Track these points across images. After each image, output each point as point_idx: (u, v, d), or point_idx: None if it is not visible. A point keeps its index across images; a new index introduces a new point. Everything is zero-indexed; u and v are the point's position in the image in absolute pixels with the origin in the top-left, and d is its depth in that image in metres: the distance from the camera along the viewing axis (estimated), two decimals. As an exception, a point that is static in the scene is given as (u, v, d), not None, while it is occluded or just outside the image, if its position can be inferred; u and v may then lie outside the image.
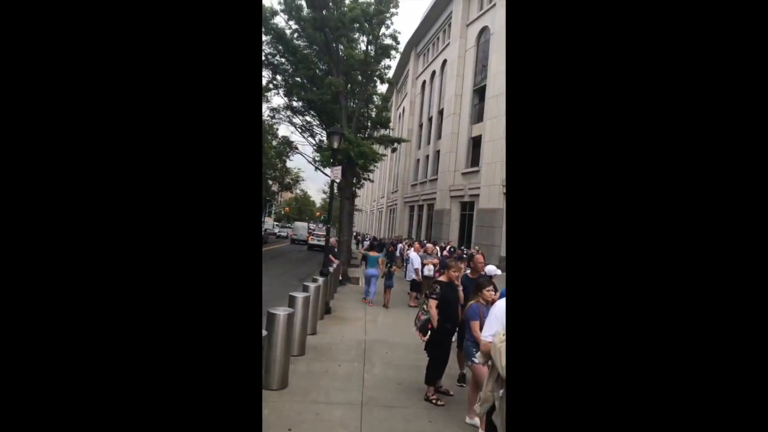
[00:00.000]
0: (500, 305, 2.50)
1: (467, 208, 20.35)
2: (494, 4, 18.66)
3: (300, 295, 4.91)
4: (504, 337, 2.34)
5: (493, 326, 2.43)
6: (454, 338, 4.12)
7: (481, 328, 3.28)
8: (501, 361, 2.30)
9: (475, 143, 20.17)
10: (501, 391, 2.40)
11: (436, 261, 8.87)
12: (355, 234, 35.24)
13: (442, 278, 4.01)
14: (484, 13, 19.94)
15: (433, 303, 3.80)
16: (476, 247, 13.69)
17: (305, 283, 5.79)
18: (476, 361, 3.18)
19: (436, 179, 23.65)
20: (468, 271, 4.85)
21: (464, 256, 7.57)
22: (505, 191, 16.96)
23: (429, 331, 3.79)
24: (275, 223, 42.35)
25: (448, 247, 11.86)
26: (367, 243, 14.66)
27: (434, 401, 3.76)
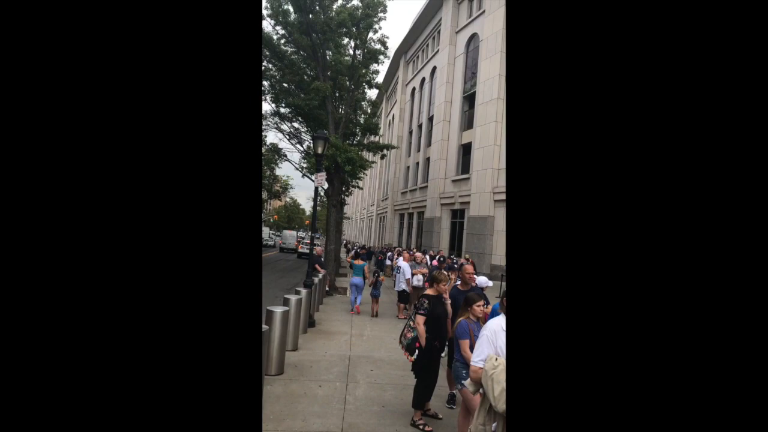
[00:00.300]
0: (492, 325, 2.21)
1: (458, 215, 20.15)
2: (483, 12, 18.66)
3: (278, 310, 4.57)
4: (497, 363, 2.05)
5: (485, 350, 2.14)
6: (443, 353, 3.82)
7: (471, 348, 3.00)
8: (493, 391, 2.01)
9: (465, 150, 20.05)
10: (494, 425, 2.10)
11: (425, 270, 8.58)
12: (345, 242, 34.87)
13: (430, 291, 3.71)
14: (473, 20, 19.94)
15: (420, 319, 3.50)
16: (467, 256, 13.40)
17: (286, 296, 5.45)
18: (466, 384, 2.88)
19: (426, 187, 23.47)
20: (458, 283, 4.56)
21: (455, 265, 7.19)
22: (495, 198, 16.81)
23: (416, 351, 3.48)
24: (271, 232, 41.25)
25: (438, 257, 11.52)
26: (354, 252, 14.34)
27: (421, 427, 3.44)
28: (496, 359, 2.06)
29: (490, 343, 2.13)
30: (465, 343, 2.98)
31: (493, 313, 3.30)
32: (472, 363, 2.18)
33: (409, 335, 3.55)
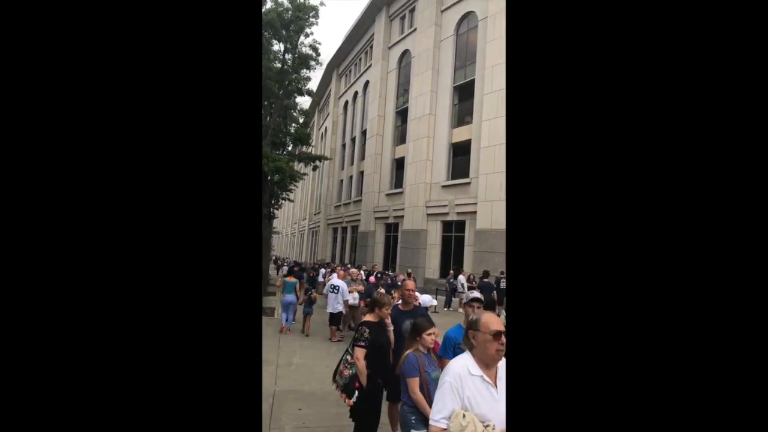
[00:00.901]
0: (455, 368, 1.72)
1: (392, 229, 19.98)
2: (414, 29, 19.01)
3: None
4: (465, 423, 1.56)
5: (447, 404, 1.64)
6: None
7: (422, 386, 2.50)
8: (463, 459, 1.52)
9: (399, 164, 20.07)
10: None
11: (361, 288, 8.02)
12: (274, 258, 33.12)
13: (370, 317, 3.16)
14: (405, 36, 20.24)
15: (360, 353, 2.92)
16: (408, 271, 13.04)
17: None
18: (417, 435, 2.37)
19: (360, 200, 23.09)
20: (399, 302, 4.07)
21: (396, 282, 6.54)
22: (428, 213, 16.89)
23: (356, 392, 2.89)
24: None
25: (375, 273, 10.91)
26: (285, 268, 13.36)
27: (361, 483, 2.86)
28: (464, 416, 1.57)
29: (454, 394, 1.63)
30: (414, 382, 2.47)
31: (446, 343, 2.83)
32: (432, 422, 1.66)
33: (347, 373, 2.96)
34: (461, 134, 16.21)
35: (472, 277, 12.05)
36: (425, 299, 4.12)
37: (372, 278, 8.13)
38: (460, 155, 16.21)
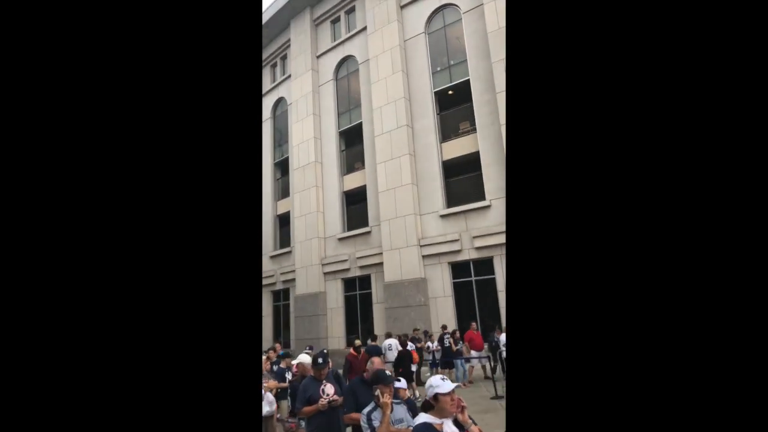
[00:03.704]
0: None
1: (281, 297, 16.93)
2: (289, 76, 17.72)
3: None
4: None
5: None
6: None
7: None
8: None
9: (283, 221, 17.58)
10: None
11: (274, 384, 5.27)
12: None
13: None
14: (277, 84, 18.78)
15: None
16: (310, 345, 10.09)
17: None
18: None
19: (236, 268, 19.46)
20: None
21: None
22: (325, 271, 14.64)
23: None
24: None
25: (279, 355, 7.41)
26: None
27: None
28: None
29: None
30: None
31: None
32: None
33: None
34: (353, 181, 14.85)
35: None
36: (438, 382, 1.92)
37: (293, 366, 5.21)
38: (355, 203, 14.71)
